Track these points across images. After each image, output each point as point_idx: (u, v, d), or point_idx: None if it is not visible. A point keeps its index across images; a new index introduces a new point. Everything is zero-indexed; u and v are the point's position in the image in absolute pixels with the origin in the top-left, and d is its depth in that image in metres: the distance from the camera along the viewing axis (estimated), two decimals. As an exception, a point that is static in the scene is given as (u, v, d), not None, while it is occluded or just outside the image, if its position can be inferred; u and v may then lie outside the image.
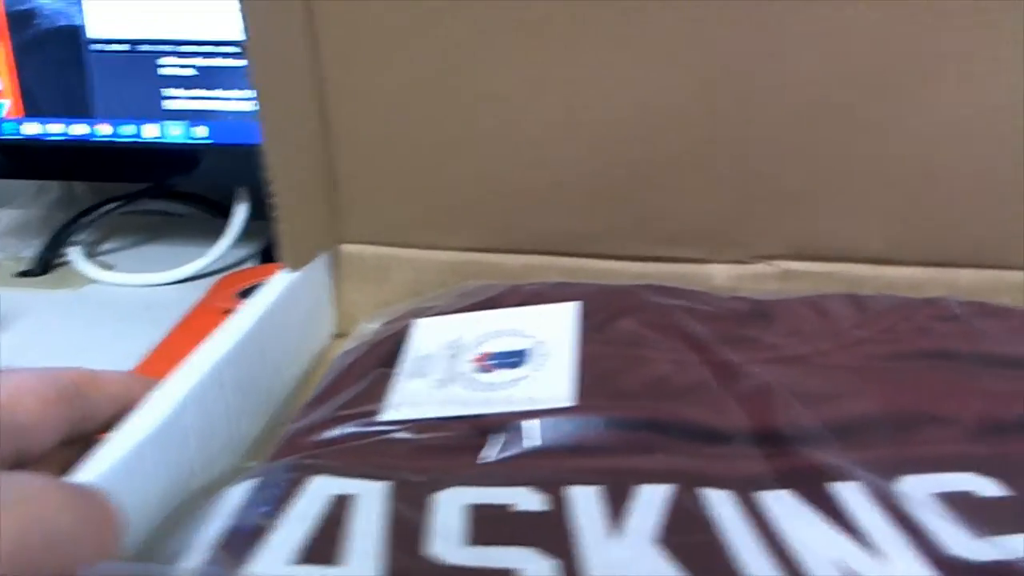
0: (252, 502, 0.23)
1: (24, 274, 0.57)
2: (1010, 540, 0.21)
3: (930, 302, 0.31)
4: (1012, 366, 0.29)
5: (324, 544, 0.21)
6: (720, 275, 0.35)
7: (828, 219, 0.33)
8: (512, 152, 0.33)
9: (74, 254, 0.58)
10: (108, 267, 0.58)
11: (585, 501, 0.23)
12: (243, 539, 0.21)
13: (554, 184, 0.33)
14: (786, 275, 0.34)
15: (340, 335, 0.38)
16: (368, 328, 0.34)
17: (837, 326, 0.30)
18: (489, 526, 0.22)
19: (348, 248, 0.37)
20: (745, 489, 0.24)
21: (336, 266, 0.37)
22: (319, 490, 0.24)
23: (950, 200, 0.32)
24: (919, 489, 0.23)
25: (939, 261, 0.33)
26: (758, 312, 0.31)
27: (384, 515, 0.22)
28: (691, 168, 0.32)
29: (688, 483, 0.24)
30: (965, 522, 0.22)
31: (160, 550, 0.22)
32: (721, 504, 0.23)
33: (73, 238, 0.60)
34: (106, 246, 0.63)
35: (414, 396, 0.28)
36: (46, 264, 0.58)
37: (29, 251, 0.59)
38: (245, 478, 0.25)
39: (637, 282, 0.33)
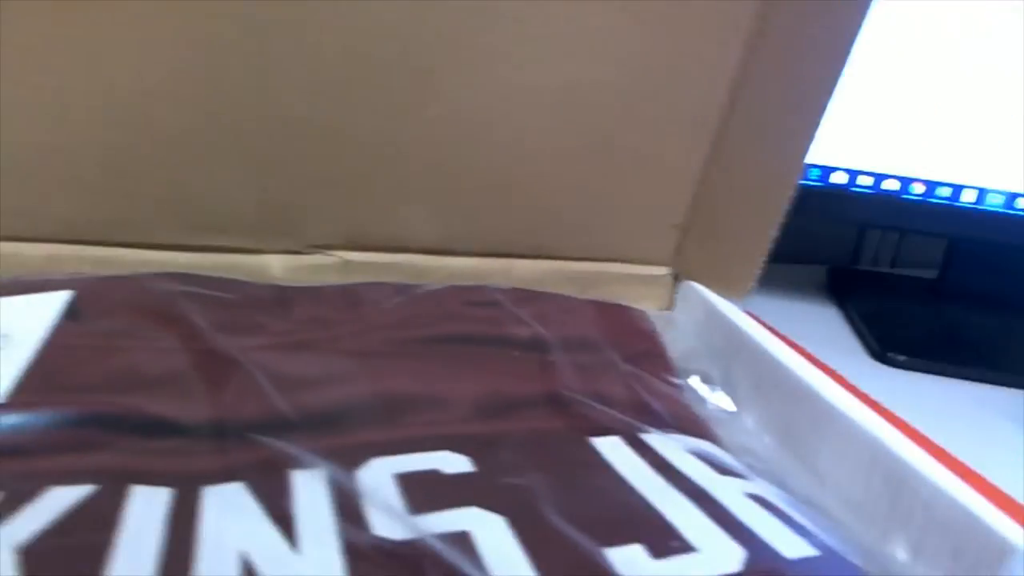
0: None
1: None
2: (446, 514, 0.20)
3: (472, 289, 0.31)
4: (534, 349, 0.29)
5: None
6: (276, 266, 0.32)
7: (384, 208, 0.32)
8: (21, 132, 0.28)
9: None
10: None
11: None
12: None
13: (71, 165, 0.29)
14: (347, 266, 0.32)
15: None
16: None
17: (362, 312, 0.28)
18: None
19: None
20: (191, 484, 0.21)
21: None
22: None
23: (506, 191, 0.33)
24: (382, 471, 0.22)
25: (498, 252, 0.33)
26: (281, 299, 0.29)
27: None
28: (226, 150, 0.29)
29: (119, 481, 0.20)
30: (414, 501, 0.20)
31: None
32: (148, 502, 0.20)
33: None
34: None
35: None
36: None
37: None
38: None
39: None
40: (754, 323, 0.31)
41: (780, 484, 0.24)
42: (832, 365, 0.41)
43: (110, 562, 0.17)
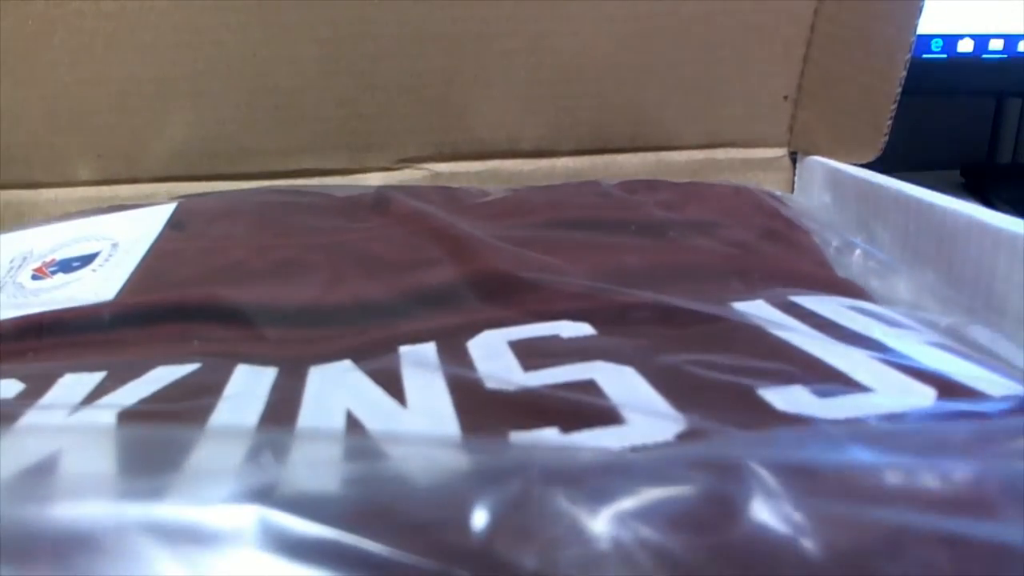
0: None
1: None
2: (567, 367, 0.18)
3: (579, 184, 0.28)
4: (656, 228, 0.26)
5: None
6: (369, 183, 0.31)
7: (473, 114, 0.30)
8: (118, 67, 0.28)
9: None
10: None
11: (72, 385, 0.18)
12: None
13: (160, 100, 0.29)
14: (437, 177, 0.31)
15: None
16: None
17: (464, 205, 0.26)
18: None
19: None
20: (297, 364, 0.19)
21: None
22: None
23: (599, 80, 0.30)
24: (496, 340, 0.20)
25: (597, 148, 0.31)
26: (378, 197, 0.27)
27: None
28: (313, 69, 0.28)
29: (222, 361, 0.19)
30: (530, 361, 0.18)
31: None
32: (250, 378, 0.19)
33: None
34: None
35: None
36: None
37: None
38: None
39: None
40: (890, 179, 0.27)
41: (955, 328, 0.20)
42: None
43: (209, 418, 0.16)
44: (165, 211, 0.27)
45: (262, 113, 0.29)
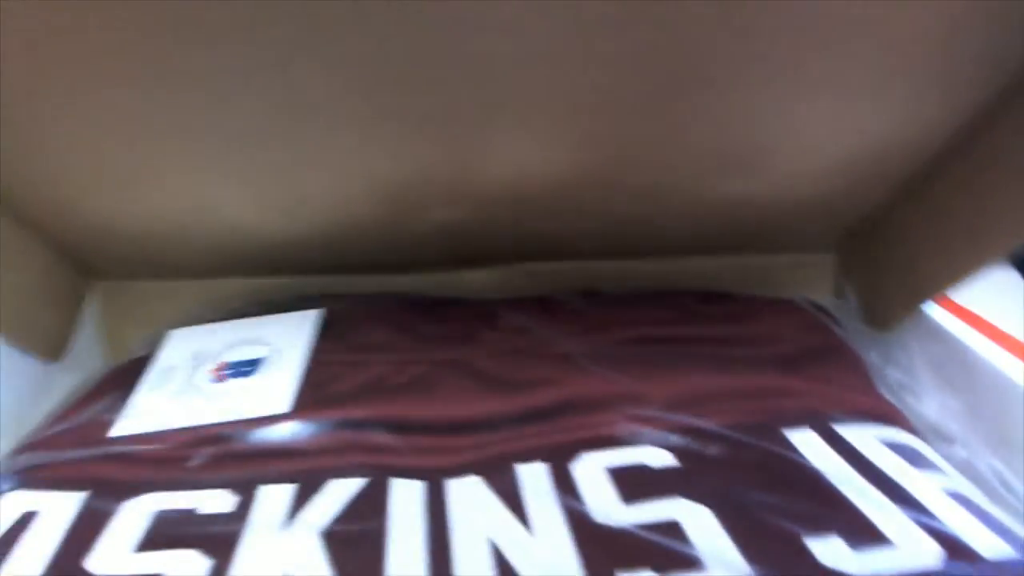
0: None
1: None
2: (654, 503, 0.23)
3: (657, 293, 0.33)
4: (721, 345, 0.31)
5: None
6: (478, 280, 0.36)
7: (562, 225, 0.34)
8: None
9: None
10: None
11: (273, 498, 0.24)
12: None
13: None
14: (532, 274, 0.36)
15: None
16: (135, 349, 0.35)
17: (559, 318, 0.32)
18: (168, 529, 0.23)
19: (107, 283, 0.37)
20: (436, 476, 0.25)
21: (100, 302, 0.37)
22: (11, 504, 0.24)
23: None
24: (594, 464, 0.25)
25: (672, 251, 0.35)
26: (487, 312, 0.32)
27: (65, 526, 0.23)
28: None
29: (381, 475, 0.25)
30: (625, 492, 0.23)
31: None
32: (407, 493, 0.24)
33: None
34: None
35: (147, 409, 0.29)
36: None
37: None
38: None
39: (390, 291, 0.34)
40: (932, 304, 0.31)
41: (970, 463, 0.24)
42: (1015, 334, 0.40)
43: (388, 544, 0.22)
44: (313, 318, 0.32)
45: (392, 228, 0.33)
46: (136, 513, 0.24)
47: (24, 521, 0.23)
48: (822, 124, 0.27)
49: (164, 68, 0.22)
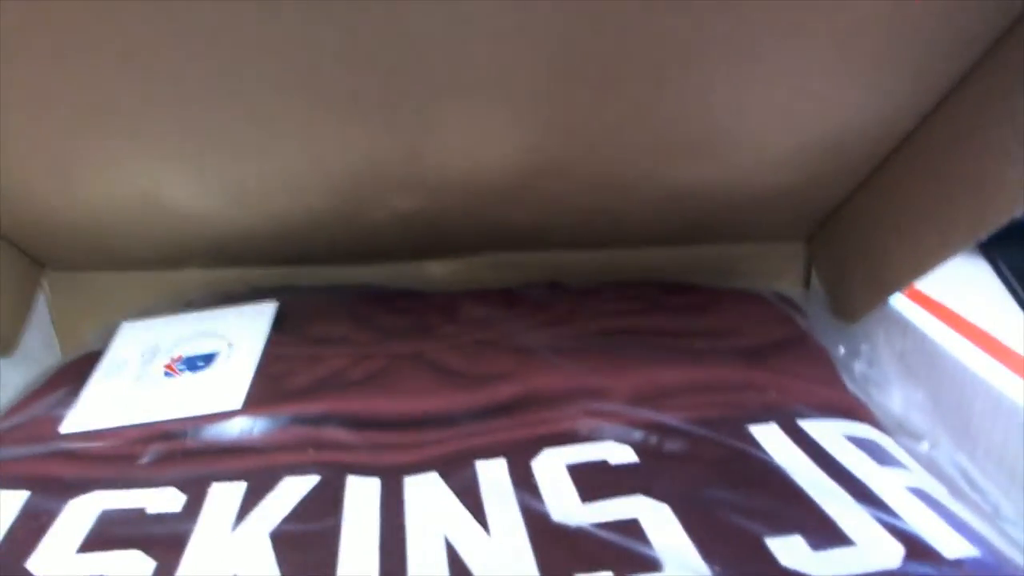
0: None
1: None
2: (614, 501, 0.22)
3: (619, 285, 0.33)
4: (684, 337, 0.30)
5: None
6: (439, 271, 0.35)
7: (531, 217, 0.34)
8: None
9: None
10: None
11: (223, 497, 0.23)
12: None
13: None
14: (496, 264, 0.35)
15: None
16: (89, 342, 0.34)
17: (520, 312, 0.31)
18: (113, 529, 0.22)
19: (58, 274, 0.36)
20: (393, 473, 0.24)
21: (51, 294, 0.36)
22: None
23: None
24: (555, 461, 0.24)
25: (637, 242, 0.35)
26: (449, 305, 0.32)
27: (5, 527, 0.22)
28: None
29: (336, 472, 0.24)
30: (585, 490, 0.23)
31: None
32: (362, 491, 0.23)
33: None
34: None
35: (96, 404, 0.28)
36: None
37: None
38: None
39: (349, 282, 0.33)
40: (900, 296, 0.31)
41: (934, 459, 0.24)
42: (982, 325, 0.40)
43: (340, 543, 0.21)
44: (268, 310, 0.31)
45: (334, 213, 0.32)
46: (81, 512, 0.23)
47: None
48: (780, 111, 0.26)
49: (91, 44, 0.21)
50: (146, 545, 0.21)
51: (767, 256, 0.37)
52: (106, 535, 0.22)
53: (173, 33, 0.21)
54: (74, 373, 0.31)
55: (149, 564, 0.21)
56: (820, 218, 0.34)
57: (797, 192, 0.32)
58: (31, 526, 0.22)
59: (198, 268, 0.35)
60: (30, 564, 0.21)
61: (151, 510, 0.23)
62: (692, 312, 0.31)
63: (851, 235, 0.33)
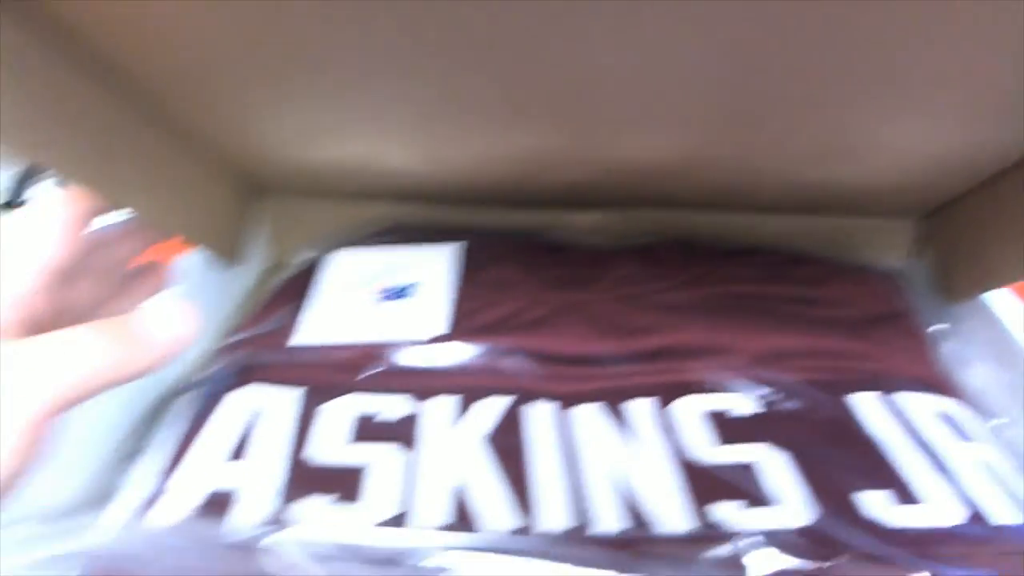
0: (192, 409, 0.31)
1: (5, 205, 0.54)
2: (740, 447, 0.29)
3: (748, 251, 0.38)
4: (802, 305, 0.36)
5: (241, 445, 0.29)
6: (584, 221, 0.42)
7: (664, 176, 0.39)
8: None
9: (46, 185, 0.55)
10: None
11: (439, 408, 0.31)
12: (184, 442, 0.29)
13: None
14: (631, 219, 0.41)
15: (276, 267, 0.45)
16: (295, 261, 0.41)
17: (662, 272, 0.37)
18: (365, 428, 0.30)
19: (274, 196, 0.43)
20: (565, 402, 0.31)
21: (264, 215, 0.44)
22: (240, 400, 0.31)
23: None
24: (690, 407, 0.31)
25: (763, 208, 0.40)
26: (598, 260, 0.38)
27: (288, 420, 0.30)
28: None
29: (523, 396, 0.31)
30: (715, 433, 0.30)
31: (132, 448, 0.30)
32: (542, 414, 0.31)
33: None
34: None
35: (321, 322, 0.35)
36: (21, 193, 0.54)
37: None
38: (190, 387, 0.32)
39: (515, 227, 0.40)
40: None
41: (1007, 435, 0.30)
42: None
43: (532, 456, 0.29)
44: (454, 251, 0.38)
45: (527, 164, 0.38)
46: (340, 412, 0.31)
47: (256, 414, 0.30)
48: (919, 130, 0.30)
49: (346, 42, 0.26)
50: (393, 441, 0.29)
51: (879, 229, 0.41)
52: (362, 432, 0.30)
53: (414, 31, 0.25)
54: (295, 290, 0.38)
55: (399, 457, 0.29)
56: (938, 203, 0.38)
57: (920, 186, 0.36)
58: (306, 421, 0.30)
59: (388, 203, 0.42)
60: (316, 451, 0.29)
61: (388, 415, 0.31)
62: (812, 283, 0.37)
63: (968, 223, 0.37)
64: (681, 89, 0.28)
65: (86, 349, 0.23)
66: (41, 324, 0.25)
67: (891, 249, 0.41)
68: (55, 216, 0.26)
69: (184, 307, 0.26)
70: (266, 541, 0.22)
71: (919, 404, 0.31)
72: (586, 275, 0.37)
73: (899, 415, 0.31)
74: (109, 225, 0.29)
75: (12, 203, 0.53)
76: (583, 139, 0.32)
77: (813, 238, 0.41)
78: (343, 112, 0.31)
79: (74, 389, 0.22)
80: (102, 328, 0.24)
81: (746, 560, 0.23)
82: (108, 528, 0.25)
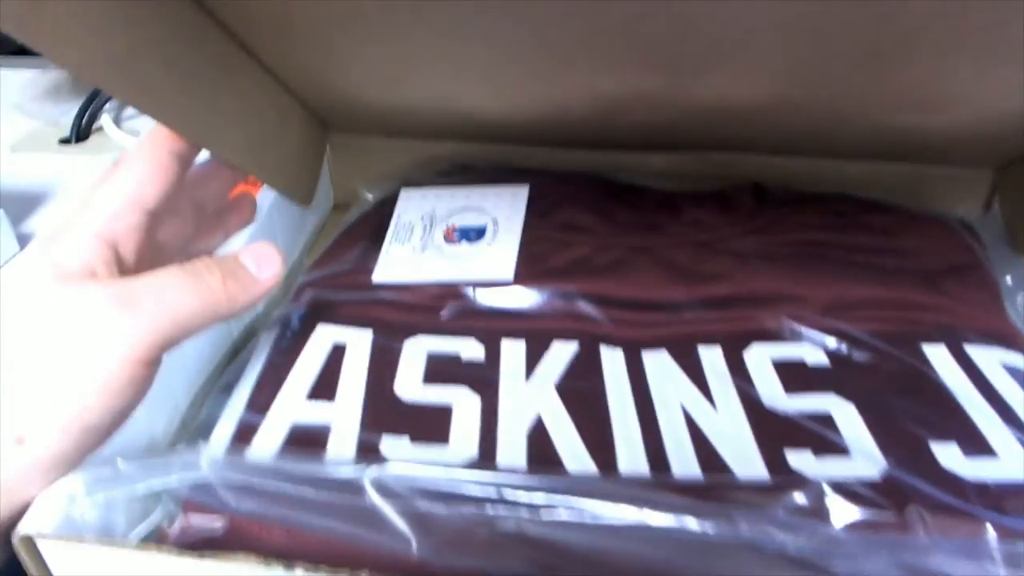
0: (276, 346, 0.32)
1: (64, 141, 0.54)
2: (812, 396, 0.29)
3: (821, 198, 0.37)
4: (875, 254, 0.35)
5: (325, 382, 0.30)
6: (658, 163, 0.41)
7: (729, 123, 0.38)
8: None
9: (106, 120, 0.55)
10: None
11: (512, 351, 0.32)
12: (271, 378, 0.30)
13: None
14: (703, 160, 0.41)
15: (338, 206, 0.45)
16: (365, 198, 0.42)
17: (733, 218, 0.37)
18: (441, 368, 0.31)
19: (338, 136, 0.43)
20: (634, 347, 0.32)
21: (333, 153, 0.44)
22: (323, 337, 0.32)
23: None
24: (763, 355, 0.31)
25: (831, 153, 0.39)
26: (670, 204, 0.38)
27: (367, 358, 0.31)
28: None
29: (591, 341, 0.32)
30: (786, 381, 0.30)
31: (221, 384, 0.32)
32: (612, 359, 0.31)
33: (106, 103, 0.56)
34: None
35: (396, 261, 0.36)
36: (83, 130, 0.54)
37: (66, 117, 0.55)
38: (272, 324, 0.33)
39: (585, 169, 0.39)
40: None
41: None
42: None
43: (608, 401, 0.29)
44: (523, 193, 0.38)
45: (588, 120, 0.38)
46: (414, 352, 0.32)
47: (338, 351, 0.31)
48: (1006, 85, 0.30)
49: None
50: (469, 382, 0.30)
51: (956, 178, 0.40)
52: (438, 372, 0.31)
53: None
54: (369, 229, 0.39)
55: (475, 398, 0.29)
56: (1016, 154, 0.37)
57: (1000, 136, 0.35)
58: (385, 359, 0.31)
59: (456, 142, 0.42)
60: (400, 389, 0.30)
61: (463, 355, 0.31)
62: (884, 232, 0.36)
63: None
64: (778, 32, 0.27)
65: (181, 291, 0.24)
66: (134, 264, 0.25)
67: (967, 199, 0.40)
68: (145, 156, 0.26)
69: (270, 246, 0.27)
70: (365, 474, 0.23)
71: (990, 356, 0.31)
72: (657, 220, 0.37)
73: (970, 367, 0.31)
74: (198, 164, 0.29)
75: (74, 139, 0.54)
76: (670, 80, 0.31)
77: (888, 186, 0.40)
78: (424, 50, 0.31)
79: (171, 330, 0.23)
80: (196, 269, 0.25)
81: (826, 506, 0.24)
82: (206, 462, 0.26)
